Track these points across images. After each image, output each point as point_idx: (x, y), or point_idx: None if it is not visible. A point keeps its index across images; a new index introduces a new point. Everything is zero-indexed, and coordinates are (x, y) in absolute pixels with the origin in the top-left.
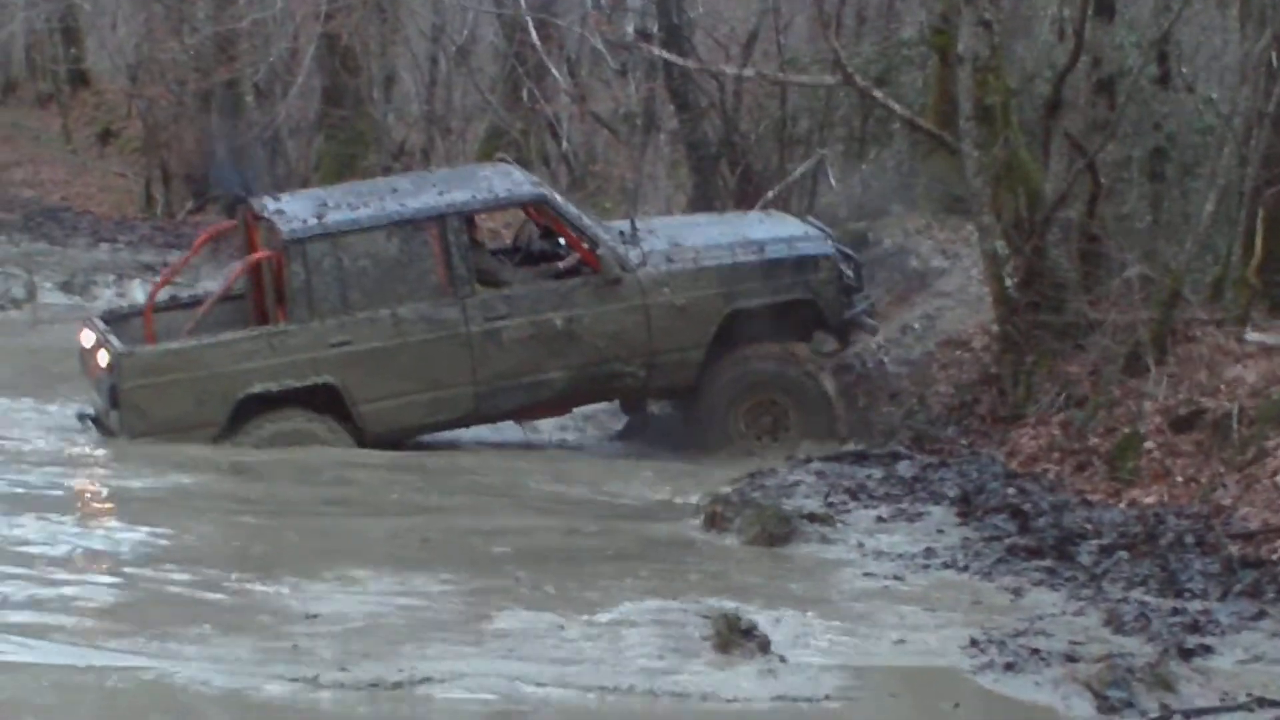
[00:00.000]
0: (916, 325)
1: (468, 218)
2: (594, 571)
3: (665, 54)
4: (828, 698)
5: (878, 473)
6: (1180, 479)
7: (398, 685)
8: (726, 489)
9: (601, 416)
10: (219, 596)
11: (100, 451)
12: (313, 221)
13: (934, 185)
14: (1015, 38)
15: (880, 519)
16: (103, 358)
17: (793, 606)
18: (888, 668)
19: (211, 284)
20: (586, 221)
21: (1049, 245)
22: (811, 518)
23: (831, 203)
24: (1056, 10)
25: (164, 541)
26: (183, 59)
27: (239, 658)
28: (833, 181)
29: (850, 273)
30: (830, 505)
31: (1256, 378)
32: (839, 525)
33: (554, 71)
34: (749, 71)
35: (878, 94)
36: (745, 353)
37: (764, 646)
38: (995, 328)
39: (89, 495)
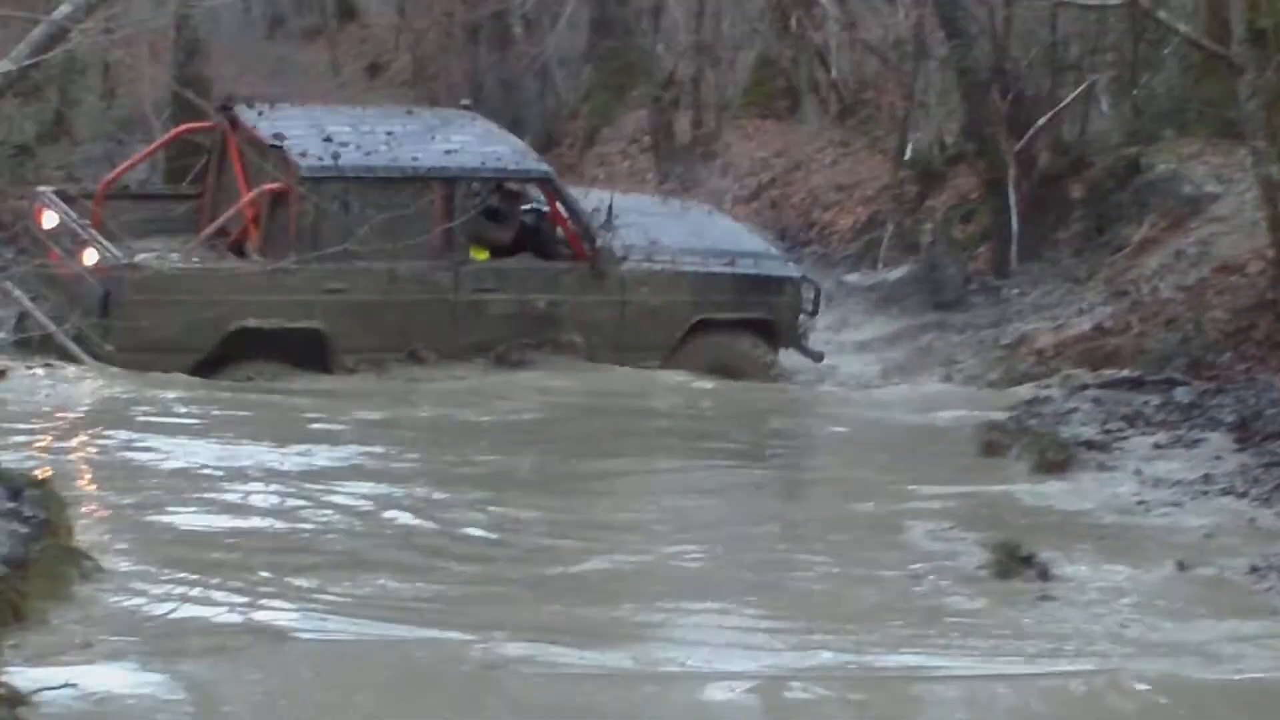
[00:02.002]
0: (1191, 251)
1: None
2: (867, 499)
3: None
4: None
5: (1154, 399)
6: None
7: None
8: (1002, 416)
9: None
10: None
11: None
12: (329, 160)
13: (1207, 109)
14: None
15: (1157, 446)
16: (90, 257)
17: (1072, 534)
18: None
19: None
20: (585, 210)
21: None
22: (1089, 445)
23: (1103, 129)
24: None
25: None
26: None
27: None
28: (1104, 107)
29: (811, 299)
30: (1107, 432)
31: None
32: (1116, 453)
33: None
34: None
35: (1161, 14)
36: None
37: (1044, 574)
38: (1271, 253)
39: None
